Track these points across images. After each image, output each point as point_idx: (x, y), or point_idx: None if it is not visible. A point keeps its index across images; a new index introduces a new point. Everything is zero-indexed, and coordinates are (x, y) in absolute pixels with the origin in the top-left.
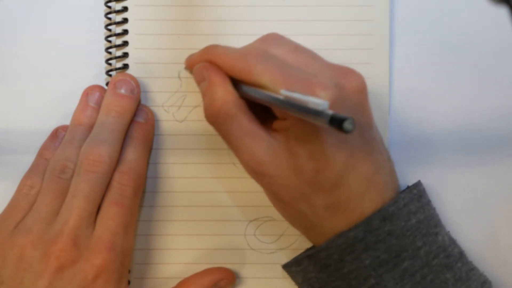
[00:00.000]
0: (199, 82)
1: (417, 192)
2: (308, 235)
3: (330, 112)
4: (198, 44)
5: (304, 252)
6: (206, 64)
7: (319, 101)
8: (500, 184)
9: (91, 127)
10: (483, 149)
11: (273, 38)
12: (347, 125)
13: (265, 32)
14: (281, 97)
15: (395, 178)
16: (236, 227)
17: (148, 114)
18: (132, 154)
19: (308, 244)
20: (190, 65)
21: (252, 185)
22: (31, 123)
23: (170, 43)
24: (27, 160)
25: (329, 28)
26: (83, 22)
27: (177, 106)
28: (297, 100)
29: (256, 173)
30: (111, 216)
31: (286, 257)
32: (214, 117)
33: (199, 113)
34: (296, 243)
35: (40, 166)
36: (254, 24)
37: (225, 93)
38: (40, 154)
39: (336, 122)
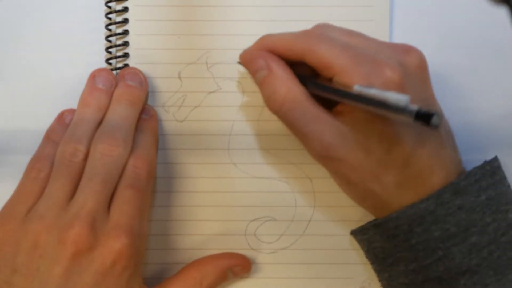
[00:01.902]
0: (255, 72)
1: (490, 168)
2: (376, 213)
3: (415, 107)
4: (198, 44)
5: (370, 222)
6: (264, 53)
7: (400, 97)
8: None
9: (99, 109)
10: (483, 149)
11: (325, 25)
12: (435, 120)
13: (265, 32)
14: (352, 92)
15: (457, 151)
16: (236, 227)
17: (151, 111)
18: (143, 142)
19: (309, 244)
20: (246, 57)
21: (252, 185)
22: (31, 123)
23: (170, 43)
24: (27, 159)
25: None
26: (83, 22)
27: (177, 106)
28: (372, 96)
29: (325, 157)
30: (126, 200)
31: (286, 257)
32: (279, 106)
33: (199, 113)
34: (296, 243)
35: (48, 148)
36: (254, 24)
37: (287, 81)
38: (47, 137)
39: (423, 118)
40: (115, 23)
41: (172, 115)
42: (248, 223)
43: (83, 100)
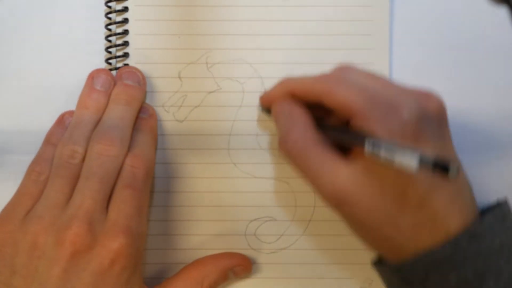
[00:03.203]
0: (278, 114)
1: (501, 215)
2: (391, 256)
3: (432, 156)
4: (198, 44)
5: (386, 263)
6: (287, 98)
7: (409, 156)
8: (501, 184)
9: (97, 110)
10: (483, 149)
11: (347, 67)
12: (453, 170)
13: (265, 32)
14: (367, 142)
15: (475, 201)
16: (236, 227)
17: (149, 110)
18: (141, 141)
19: (308, 244)
20: (266, 100)
21: (252, 185)
22: (31, 123)
23: (170, 43)
24: (27, 160)
25: (329, 28)
26: (83, 22)
27: (177, 106)
28: (387, 149)
29: (338, 202)
30: (124, 200)
31: (286, 257)
32: (289, 148)
33: (199, 113)
34: (296, 243)
35: (48, 152)
36: (254, 24)
37: (304, 125)
38: (47, 140)
39: (441, 168)
40: (115, 23)
41: (172, 115)
42: (248, 223)
43: (81, 102)
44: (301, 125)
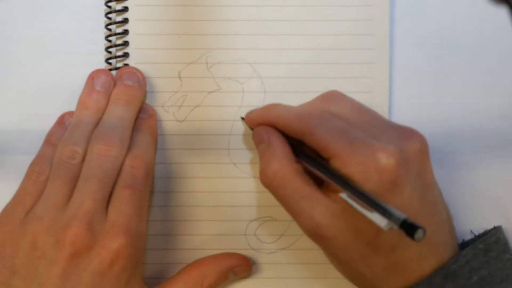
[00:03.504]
0: (257, 143)
1: (483, 246)
2: None
3: (402, 216)
4: (198, 44)
5: None
6: (266, 127)
7: (379, 219)
8: (501, 184)
9: (97, 111)
10: (483, 149)
11: (334, 96)
12: (419, 234)
13: (265, 32)
14: (340, 194)
15: (454, 236)
16: (236, 227)
17: (149, 110)
18: (141, 141)
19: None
20: (250, 122)
21: (252, 185)
22: (31, 123)
23: (170, 43)
24: (27, 160)
25: (329, 28)
26: (83, 22)
27: (177, 106)
28: (359, 204)
29: (315, 235)
30: (123, 200)
31: (286, 257)
32: (269, 180)
33: (199, 113)
34: (296, 243)
35: (48, 152)
36: (254, 24)
37: (282, 157)
38: (47, 141)
39: (407, 228)
40: (115, 22)
41: (172, 115)
42: (248, 223)
43: (81, 103)
44: (280, 156)
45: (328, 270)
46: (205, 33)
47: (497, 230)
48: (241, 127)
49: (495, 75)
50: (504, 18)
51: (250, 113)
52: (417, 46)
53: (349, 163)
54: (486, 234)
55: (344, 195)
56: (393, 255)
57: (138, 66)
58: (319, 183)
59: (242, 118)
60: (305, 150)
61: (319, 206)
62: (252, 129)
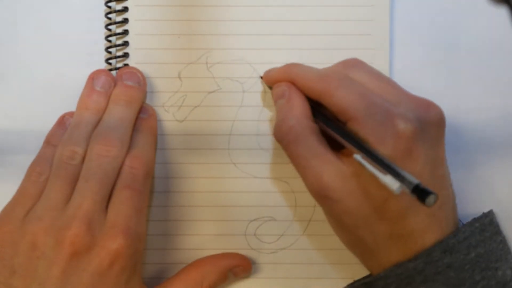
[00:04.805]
0: (277, 98)
1: (479, 225)
2: (364, 262)
3: (416, 180)
4: (198, 44)
5: (360, 280)
6: (288, 83)
7: (392, 181)
8: (501, 183)
9: (97, 111)
10: (483, 149)
11: (354, 63)
12: (430, 199)
13: (265, 32)
14: (355, 156)
15: (456, 212)
16: (236, 227)
17: (149, 110)
18: (141, 142)
19: (308, 244)
20: (268, 79)
21: (252, 185)
22: (31, 123)
23: (170, 43)
24: (27, 160)
25: (329, 28)
26: (83, 22)
27: (177, 106)
28: (373, 166)
29: (321, 195)
30: (123, 200)
31: (286, 257)
32: (283, 135)
33: (199, 113)
34: (296, 243)
35: (48, 152)
36: (254, 24)
37: (301, 113)
38: (47, 141)
39: (419, 193)
40: (115, 23)
41: (172, 115)
42: (248, 223)
43: (81, 103)
44: (298, 112)
45: (328, 270)
46: (205, 33)
47: (490, 212)
48: (241, 127)
49: (495, 75)
50: (504, 18)
51: (269, 71)
52: (417, 46)
53: (366, 127)
54: (481, 216)
55: (358, 156)
56: (398, 223)
57: (138, 66)
58: (334, 148)
59: (261, 77)
60: (323, 112)
61: (330, 167)
62: (270, 88)
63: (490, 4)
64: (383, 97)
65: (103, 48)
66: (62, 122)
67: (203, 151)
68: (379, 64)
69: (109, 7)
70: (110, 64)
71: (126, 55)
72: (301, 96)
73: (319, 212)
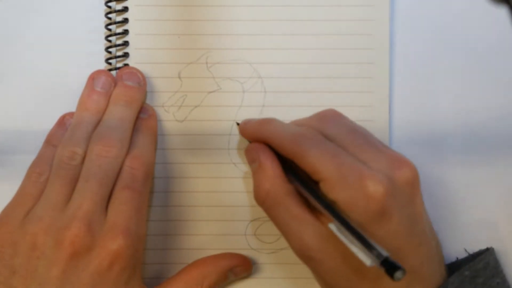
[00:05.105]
0: (250, 162)
1: (469, 273)
2: None
3: (385, 253)
4: (198, 44)
5: None
6: (258, 146)
7: (364, 257)
8: (501, 183)
9: (98, 112)
10: (483, 149)
11: (330, 117)
12: (398, 274)
13: (265, 32)
14: (329, 225)
15: (443, 264)
16: (236, 227)
17: (149, 110)
18: (141, 142)
19: None
20: (243, 133)
21: (252, 185)
22: (31, 123)
23: (170, 43)
24: (27, 160)
25: (329, 28)
26: (83, 22)
27: (177, 106)
28: (341, 238)
29: (304, 256)
30: (123, 201)
31: (286, 257)
32: (261, 200)
33: (199, 113)
34: None
35: (48, 153)
36: (254, 24)
37: (273, 177)
38: (48, 141)
39: (388, 266)
40: (115, 23)
41: (172, 115)
42: (248, 223)
43: (81, 103)
44: (270, 176)
45: None
46: (205, 33)
47: (486, 254)
48: None
49: (495, 75)
50: (504, 18)
51: (244, 124)
52: (417, 46)
53: (337, 188)
54: (475, 257)
55: (332, 226)
56: (380, 283)
57: (138, 66)
58: (313, 207)
59: (238, 124)
60: (296, 171)
61: (309, 228)
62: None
63: (490, 4)
64: (356, 155)
65: (103, 48)
66: (63, 122)
67: (203, 151)
68: (379, 63)
69: (109, 7)
70: (110, 64)
71: (126, 55)
72: (272, 159)
73: None
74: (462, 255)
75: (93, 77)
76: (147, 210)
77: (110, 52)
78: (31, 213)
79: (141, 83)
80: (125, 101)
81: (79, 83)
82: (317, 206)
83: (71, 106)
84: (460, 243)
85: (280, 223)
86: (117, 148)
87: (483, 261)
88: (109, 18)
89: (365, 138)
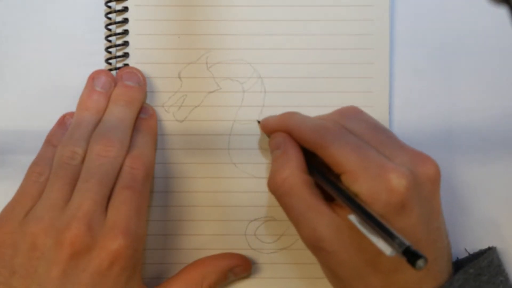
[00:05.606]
0: (273, 149)
1: (473, 271)
2: None
3: (407, 242)
4: (198, 44)
5: None
6: (285, 134)
7: (384, 247)
8: (501, 183)
9: (98, 112)
10: (483, 148)
11: (352, 113)
12: (420, 263)
13: (265, 32)
14: (353, 201)
15: (451, 262)
16: (236, 227)
17: (150, 110)
18: (141, 142)
19: None
20: (265, 128)
21: (252, 185)
22: (31, 123)
23: (170, 43)
24: (28, 160)
25: (329, 28)
26: (83, 22)
27: (177, 106)
28: (361, 229)
29: (315, 247)
30: (123, 201)
31: (286, 257)
32: (276, 186)
33: (199, 113)
34: (296, 243)
35: (48, 153)
36: (254, 24)
37: (295, 166)
38: (48, 141)
39: (410, 255)
40: (115, 23)
41: (172, 115)
42: (248, 223)
43: (81, 103)
44: (293, 164)
45: None
46: (205, 33)
47: (490, 253)
48: (241, 127)
49: (495, 75)
50: (504, 18)
51: (266, 120)
52: (417, 46)
53: (359, 180)
54: (479, 256)
55: (352, 217)
56: (392, 277)
57: (138, 66)
58: (329, 198)
59: (258, 122)
60: (317, 164)
61: (324, 219)
62: (268, 136)
63: (490, 4)
64: (378, 150)
65: (103, 48)
66: (63, 122)
67: (203, 151)
68: (379, 63)
69: (109, 7)
70: (110, 64)
71: (126, 55)
72: (297, 148)
73: None
74: (462, 255)
75: (93, 77)
76: (147, 210)
77: (110, 52)
78: (31, 213)
79: (141, 83)
80: (125, 101)
81: (79, 83)
82: (338, 199)
83: (71, 106)
84: (460, 243)
85: (293, 211)
86: (117, 148)
87: (487, 259)
88: (109, 18)
89: (387, 134)
